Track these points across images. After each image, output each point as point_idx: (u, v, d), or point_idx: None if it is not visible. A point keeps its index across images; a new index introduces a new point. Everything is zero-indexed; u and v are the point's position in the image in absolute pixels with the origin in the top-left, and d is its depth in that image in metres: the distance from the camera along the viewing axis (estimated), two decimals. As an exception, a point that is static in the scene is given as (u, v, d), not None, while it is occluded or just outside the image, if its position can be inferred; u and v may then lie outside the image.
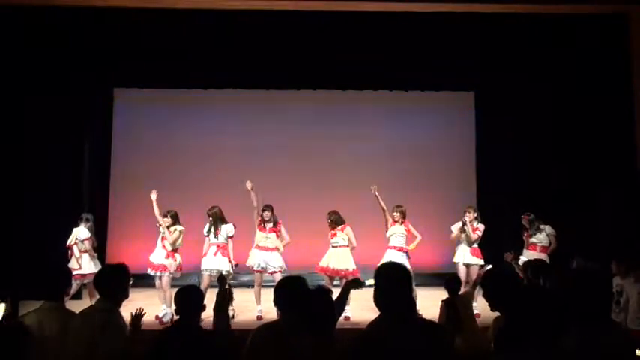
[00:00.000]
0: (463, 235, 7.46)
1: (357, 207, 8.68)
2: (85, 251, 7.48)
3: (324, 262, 7.25)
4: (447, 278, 5.40)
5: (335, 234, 7.33)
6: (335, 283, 7.19)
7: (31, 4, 7.68)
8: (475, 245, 7.48)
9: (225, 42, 8.59)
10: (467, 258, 7.39)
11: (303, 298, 3.04)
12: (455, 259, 7.49)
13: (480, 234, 7.49)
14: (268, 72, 9.20)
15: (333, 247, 7.30)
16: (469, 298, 5.04)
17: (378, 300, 2.55)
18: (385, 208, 7.45)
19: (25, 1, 7.70)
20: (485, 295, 3.10)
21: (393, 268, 2.67)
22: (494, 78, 9.24)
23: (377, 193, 7.47)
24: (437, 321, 4.87)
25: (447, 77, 9.33)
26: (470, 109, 10.21)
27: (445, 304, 4.75)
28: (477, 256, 7.42)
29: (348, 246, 7.28)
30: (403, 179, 9.66)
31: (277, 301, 3.16)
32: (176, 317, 3.23)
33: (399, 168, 9.87)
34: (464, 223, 7.41)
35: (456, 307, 4.56)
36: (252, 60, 8.91)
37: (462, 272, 7.29)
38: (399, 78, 9.40)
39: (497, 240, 8.36)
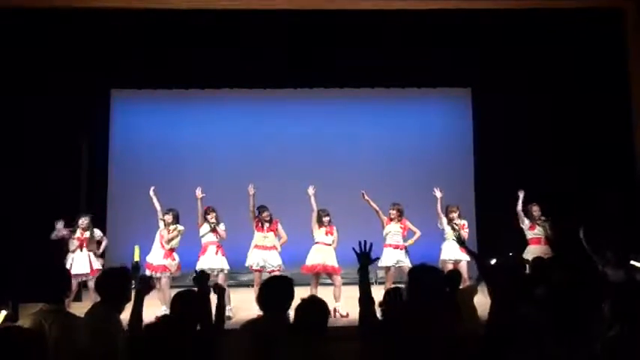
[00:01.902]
0: (449, 231, 7.49)
1: (354, 205, 8.76)
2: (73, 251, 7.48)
3: (318, 260, 7.28)
4: (447, 273, 5.50)
5: (330, 232, 7.42)
6: (326, 281, 7.32)
7: (29, 5, 7.77)
8: None
9: (222, 42, 8.68)
10: (457, 254, 7.44)
11: (288, 298, 3.08)
12: (444, 257, 7.47)
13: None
14: (265, 71, 9.31)
15: (325, 244, 7.36)
16: (470, 291, 5.14)
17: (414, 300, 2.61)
18: (377, 209, 7.55)
19: (23, 3, 7.78)
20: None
21: (429, 270, 2.74)
22: (491, 74, 9.32)
23: (366, 197, 7.55)
24: None
25: (444, 74, 9.44)
26: (467, 106, 10.30)
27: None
28: (464, 252, 7.47)
29: (331, 245, 7.40)
30: (401, 176, 9.75)
31: (260, 300, 3.18)
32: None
33: (396, 165, 9.96)
34: (453, 224, 7.45)
35: (455, 301, 4.72)
36: (249, 59, 9.01)
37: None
38: (396, 75, 9.52)
39: (495, 236, 8.45)
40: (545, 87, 8.90)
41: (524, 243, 7.68)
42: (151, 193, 7.54)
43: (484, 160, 9.95)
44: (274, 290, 3.16)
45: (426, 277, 2.66)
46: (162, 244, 7.32)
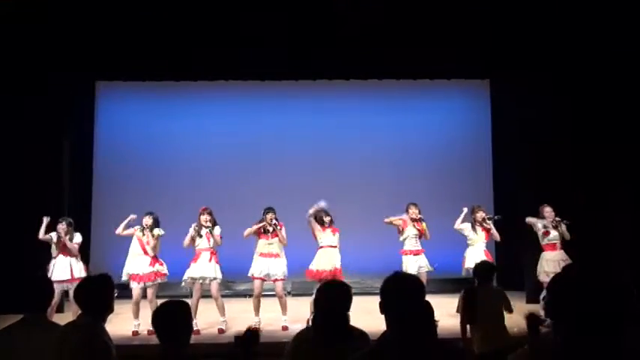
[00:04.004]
0: (475, 237, 7.46)
1: (362, 205, 8.69)
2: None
3: (326, 266, 7.15)
4: (477, 264, 5.40)
5: (336, 230, 7.38)
6: None
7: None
8: (485, 247, 7.50)
9: (216, 30, 8.55)
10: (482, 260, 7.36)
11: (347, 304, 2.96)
12: (469, 265, 7.30)
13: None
14: (263, 61, 9.12)
15: (332, 246, 7.27)
16: (500, 294, 4.98)
17: (386, 313, 2.48)
18: (397, 222, 7.48)
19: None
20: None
21: (401, 280, 2.59)
22: (510, 64, 9.14)
23: (387, 219, 7.51)
24: (455, 310, 4.98)
25: (460, 64, 9.30)
26: (485, 98, 10.21)
27: (465, 292, 4.79)
28: (490, 259, 7.41)
29: (337, 246, 7.38)
30: (413, 174, 9.70)
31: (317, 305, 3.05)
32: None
33: (408, 163, 9.88)
34: (479, 222, 7.44)
35: (474, 297, 4.63)
36: (245, 47, 8.85)
37: None
38: (408, 66, 9.35)
39: (515, 234, 8.37)
40: (567, 78, 8.79)
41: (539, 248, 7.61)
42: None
43: (503, 156, 9.89)
44: (332, 296, 2.99)
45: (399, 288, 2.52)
46: (145, 250, 7.17)
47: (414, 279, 2.63)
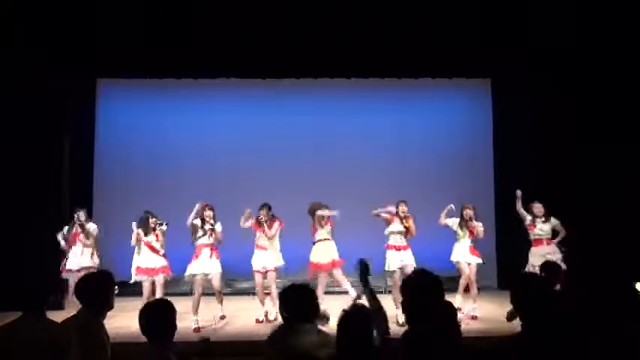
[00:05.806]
0: (461, 233, 7.59)
1: (360, 204, 8.76)
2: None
3: (327, 258, 7.40)
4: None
5: (329, 223, 7.61)
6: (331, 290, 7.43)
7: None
8: (472, 244, 7.63)
9: (217, 25, 8.66)
10: (467, 257, 7.54)
11: (310, 308, 3.09)
12: (454, 258, 7.59)
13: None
14: (264, 59, 9.23)
15: (327, 239, 7.53)
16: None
17: (408, 312, 2.66)
18: (381, 212, 7.62)
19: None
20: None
21: (423, 277, 2.77)
22: (512, 64, 9.24)
23: (375, 211, 7.64)
24: None
25: (461, 63, 9.35)
26: (486, 98, 10.28)
27: None
28: (477, 255, 7.59)
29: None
30: (412, 175, 9.80)
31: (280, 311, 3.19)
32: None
33: (408, 162, 9.99)
34: (466, 220, 7.57)
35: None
36: (246, 45, 8.96)
37: (465, 270, 7.48)
38: (409, 65, 9.43)
39: (516, 237, 8.44)
40: (568, 78, 8.86)
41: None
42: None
43: (504, 155, 9.94)
44: (293, 300, 3.11)
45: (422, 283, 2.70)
46: (154, 249, 7.35)
47: (435, 278, 2.77)
